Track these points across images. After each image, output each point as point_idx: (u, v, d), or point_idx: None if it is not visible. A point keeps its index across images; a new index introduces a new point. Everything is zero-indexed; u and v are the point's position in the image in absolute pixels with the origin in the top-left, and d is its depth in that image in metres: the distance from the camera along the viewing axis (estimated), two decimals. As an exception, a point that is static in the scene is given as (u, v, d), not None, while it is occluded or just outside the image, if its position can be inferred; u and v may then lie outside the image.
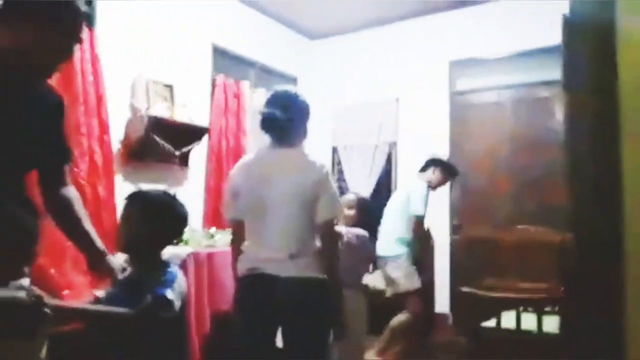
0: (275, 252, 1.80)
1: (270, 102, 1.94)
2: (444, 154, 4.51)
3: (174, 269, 1.50)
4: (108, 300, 1.45)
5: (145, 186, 3.24)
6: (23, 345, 1.13)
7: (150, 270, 1.46)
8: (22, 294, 1.09)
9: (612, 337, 1.33)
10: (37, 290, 1.17)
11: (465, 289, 3.07)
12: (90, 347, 1.42)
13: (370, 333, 3.08)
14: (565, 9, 1.82)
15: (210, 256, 3.08)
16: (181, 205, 1.57)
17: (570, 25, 1.82)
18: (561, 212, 3.78)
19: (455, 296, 4.14)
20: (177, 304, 1.39)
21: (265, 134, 1.94)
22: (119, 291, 1.45)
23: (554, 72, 4.07)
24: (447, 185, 4.47)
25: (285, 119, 1.88)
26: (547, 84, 4.16)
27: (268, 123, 1.90)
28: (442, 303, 4.28)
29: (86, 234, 1.48)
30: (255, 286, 1.83)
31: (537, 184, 4.11)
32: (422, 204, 3.44)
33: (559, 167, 3.94)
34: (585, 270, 1.67)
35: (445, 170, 3.68)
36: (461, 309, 3.87)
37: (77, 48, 1.35)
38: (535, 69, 4.26)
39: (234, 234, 2.03)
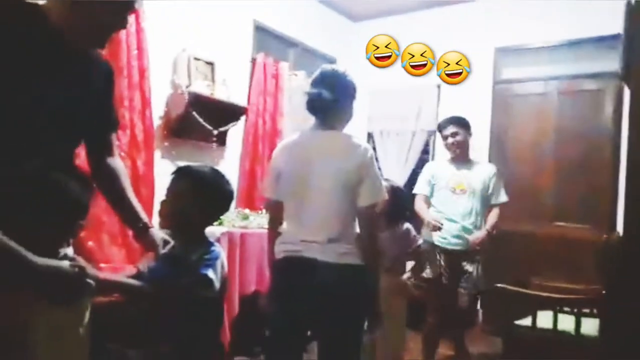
0: (314, 235, 1.77)
1: (317, 82, 1.89)
2: (484, 144, 4.42)
3: (218, 247, 1.49)
4: (150, 274, 1.45)
5: (184, 163, 3.28)
6: (66, 314, 1.15)
7: (193, 247, 1.46)
8: (66, 264, 1.10)
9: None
10: (81, 261, 1.19)
11: (498, 285, 2.99)
12: (129, 321, 1.44)
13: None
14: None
15: (243, 237, 3.09)
16: (228, 183, 1.55)
17: (635, 13, 1.71)
18: (604, 211, 3.70)
19: (487, 292, 4.06)
20: (217, 284, 1.39)
21: (311, 114, 1.90)
22: (162, 266, 1.45)
23: (604, 63, 3.96)
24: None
25: (332, 100, 1.83)
26: (596, 76, 4.00)
27: (314, 103, 1.86)
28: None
29: (131, 205, 1.50)
30: (292, 269, 1.80)
31: (580, 180, 3.96)
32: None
33: (605, 163, 3.82)
34: (630, 273, 1.60)
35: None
36: (493, 306, 3.78)
37: (129, 18, 1.34)
38: (584, 59, 4.09)
39: (271, 215, 2.00)
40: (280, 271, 1.86)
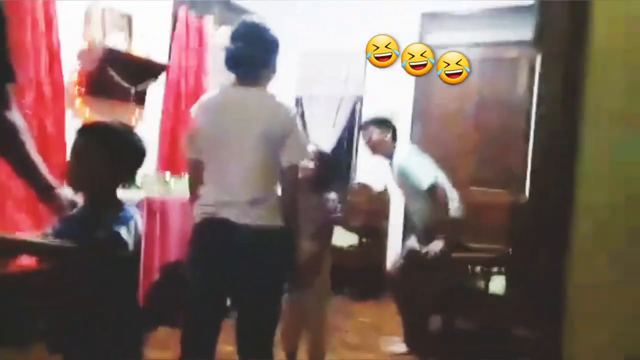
0: (235, 196, 1.71)
1: (238, 35, 1.80)
2: (407, 111, 4.52)
3: (132, 208, 1.40)
4: (56, 235, 1.34)
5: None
6: None
7: (104, 207, 1.36)
8: None
9: (554, 298, 1.38)
10: None
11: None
12: (39, 285, 1.35)
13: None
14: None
15: (163, 203, 2.98)
16: (139, 138, 1.44)
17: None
18: (519, 177, 3.93)
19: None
20: (131, 244, 1.31)
21: (231, 71, 1.81)
22: (69, 227, 1.35)
23: (523, 32, 4.11)
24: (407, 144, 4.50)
25: (253, 55, 1.76)
26: (515, 44, 4.14)
27: (235, 60, 1.78)
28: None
29: (34, 164, 1.40)
30: (210, 232, 1.74)
31: (498, 147, 4.17)
32: None
33: (521, 130, 4.03)
34: (534, 234, 1.71)
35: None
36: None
37: None
38: (505, 27, 4.22)
39: (191, 174, 1.90)
40: (198, 234, 1.79)
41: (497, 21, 4.25)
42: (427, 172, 2.91)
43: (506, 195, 3.85)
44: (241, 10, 4.61)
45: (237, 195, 1.71)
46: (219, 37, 4.21)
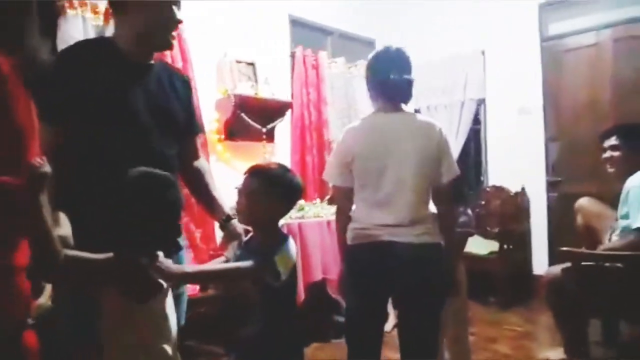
0: (394, 218, 1.77)
1: (388, 65, 1.84)
2: (537, 106, 4.27)
3: (290, 240, 1.57)
4: (237, 260, 1.58)
5: (239, 164, 3.43)
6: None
7: (269, 239, 1.55)
8: (143, 262, 1.23)
9: None
10: (164, 260, 1.29)
11: (565, 249, 2.90)
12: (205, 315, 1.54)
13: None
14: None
15: (300, 227, 3.20)
16: (296, 177, 1.62)
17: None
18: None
19: (555, 257, 3.95)
20: (284, 272, 1.47)
21: (385, 100, 1.86)
22: (246, 254, 1.56)
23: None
24: (542, 138, 4.24)
25: (411, 81, 1.83)
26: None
27: (397, 88, 1.82)
28: (540, 264, 4.12)
29: (215, 199, 1.70)
30: (373, 253, 1.79)
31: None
32: None
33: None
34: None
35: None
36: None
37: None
38: (636, 2, 3.82)
39: (341, 202, 1.95)
40: (359, 256, 1.84)
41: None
42: None
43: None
44: (353, 39, 4.82)
45: (400, 217, 1.77)
46: (334, 68, 4.44)
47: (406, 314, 1.85)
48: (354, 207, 1.91)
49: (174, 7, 1.46)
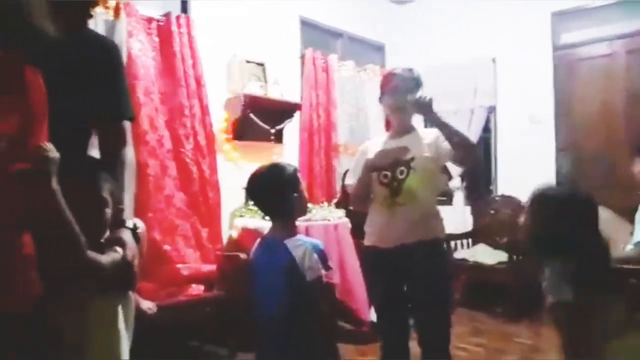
0: (411, 220, 1.97)
1: (405, 85, 2.13)
2: (548, 116, 4.22)
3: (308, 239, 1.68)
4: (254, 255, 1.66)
5: (246, 164, 3.37)
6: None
7: (284, 234, 1.61)
8: (118, 256, 1.17)
9: None
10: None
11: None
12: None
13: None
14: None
15: (307, 229, 3.15)
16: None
17: None
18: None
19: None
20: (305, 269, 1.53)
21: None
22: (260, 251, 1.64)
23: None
24: (553, 148, 4.19)
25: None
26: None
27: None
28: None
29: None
30: (389, 254, 2.00)
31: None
32: None
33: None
34: None
35: None
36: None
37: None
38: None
39: (359, 198, 2.14)
40: (376, 258, 2.07)
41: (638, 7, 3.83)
42: None
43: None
44: (362, 43, 4.80)
45: (413, 218, 1.98)
46: (344, 71, 4.41)
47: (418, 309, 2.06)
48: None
49: None
